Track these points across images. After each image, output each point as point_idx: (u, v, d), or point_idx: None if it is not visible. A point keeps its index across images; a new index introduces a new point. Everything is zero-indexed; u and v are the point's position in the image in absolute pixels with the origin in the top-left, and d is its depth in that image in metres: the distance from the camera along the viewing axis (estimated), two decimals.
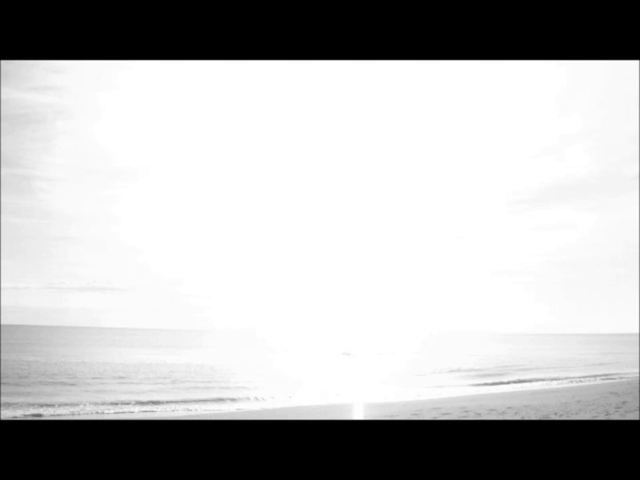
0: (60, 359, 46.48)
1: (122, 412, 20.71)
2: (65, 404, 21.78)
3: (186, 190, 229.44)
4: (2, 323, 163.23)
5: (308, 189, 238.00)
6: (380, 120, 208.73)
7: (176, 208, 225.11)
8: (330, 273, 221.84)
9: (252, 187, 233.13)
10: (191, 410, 21.58)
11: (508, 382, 33.93)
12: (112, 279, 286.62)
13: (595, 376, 36.95)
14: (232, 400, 24.93)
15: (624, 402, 15.42)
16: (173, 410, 21.53)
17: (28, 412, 19.95)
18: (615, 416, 12.39)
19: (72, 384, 28.88)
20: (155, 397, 24.52)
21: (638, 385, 22.33)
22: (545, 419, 12.74)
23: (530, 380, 34.46)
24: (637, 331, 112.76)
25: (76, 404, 21.80)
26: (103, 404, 22.24)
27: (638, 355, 58.49)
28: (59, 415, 19.72)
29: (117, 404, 22.40)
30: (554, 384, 31.74)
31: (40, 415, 19.68)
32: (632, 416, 12.22)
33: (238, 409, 21.96)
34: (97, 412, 20.51)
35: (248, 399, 25.44)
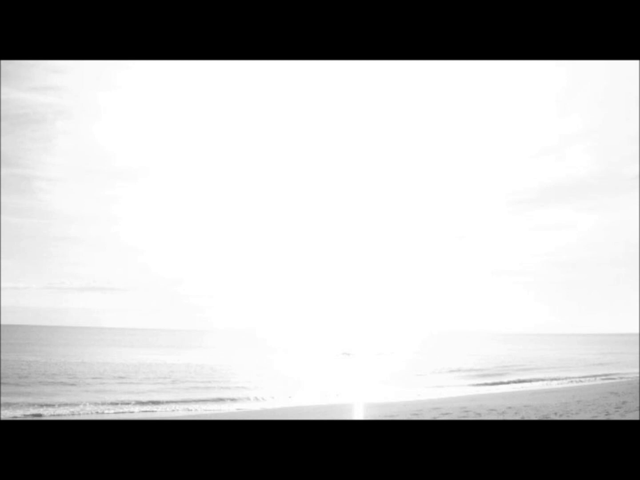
0: (60, 359, 46.48)
1: (122, 412, 20.72)
2: (65, 404, 21.78)
3: (186, 190, 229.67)
4: (2, 323, 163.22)
5: (308, 189, 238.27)
6: (380, 121, 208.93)
7: (176, 208, 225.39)
8: (330, 273, 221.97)
9: (252, 187, 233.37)
10: (191, 410, 21.59)
11: (508, 382, 33.94)
12: (112, 279, 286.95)
13: (595, 376, 36.96)
14: (232, 400, 24.94)
15: (624, 402, 15.42)
16: (173, 410, 21.54)
17: (28, 412, 19.96)
18: (615, 416, 12.39)
19: (72, 384, 28.88)
20: (155, 397, 24.52)
21: (638, 385, 22.33)
22: (545, 419, 12.74)
23: (530, 380, 34.46)
24: (637, 331, 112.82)
25: (76, 404, 21.81)
26: (103, 404, 22.25)
27: (638, 355, 58.51)
28: (59, 415, 19.72)
29: (117, 404, 22.40)
30: (554, 384, 31.74)
31: (40, 415, 19.69)
32: (632, 416, 12.22)
33: (238, 409, 21.97)
34: (97, 412, 20.52)
35: (248, 399, 25.44)
